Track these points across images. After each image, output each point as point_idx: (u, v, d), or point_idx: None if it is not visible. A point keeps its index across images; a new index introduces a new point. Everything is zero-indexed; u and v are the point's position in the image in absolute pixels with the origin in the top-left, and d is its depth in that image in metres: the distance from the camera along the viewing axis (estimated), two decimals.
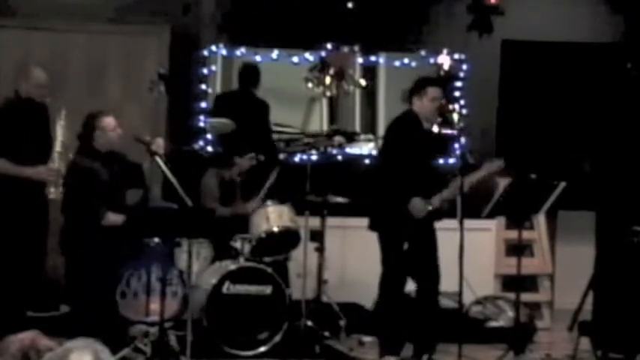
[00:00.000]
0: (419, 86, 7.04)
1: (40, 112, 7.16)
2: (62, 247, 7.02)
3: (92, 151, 6.99)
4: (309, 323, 7.56)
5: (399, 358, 6.98)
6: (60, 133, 7.03)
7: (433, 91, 6.96)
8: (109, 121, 7.02)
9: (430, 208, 6.87)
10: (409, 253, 6.95)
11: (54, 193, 6.94)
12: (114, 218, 6.86)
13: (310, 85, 9.15)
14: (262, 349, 7.22)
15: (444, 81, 8.66)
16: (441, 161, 8.56)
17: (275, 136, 8.98)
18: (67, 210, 6.98)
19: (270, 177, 8.02)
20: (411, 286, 7.25)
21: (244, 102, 8.73)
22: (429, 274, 7.00)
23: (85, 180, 6.89)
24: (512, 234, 7.87)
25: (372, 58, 9.38)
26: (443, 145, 6.87)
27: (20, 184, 6.92)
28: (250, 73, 8.86)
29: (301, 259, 7.81)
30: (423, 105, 6.95)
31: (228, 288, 7.22)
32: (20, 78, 7.12)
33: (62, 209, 7.00)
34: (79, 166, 6.94)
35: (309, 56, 9.20)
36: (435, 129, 7.04)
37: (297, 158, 8.95)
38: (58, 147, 7.01)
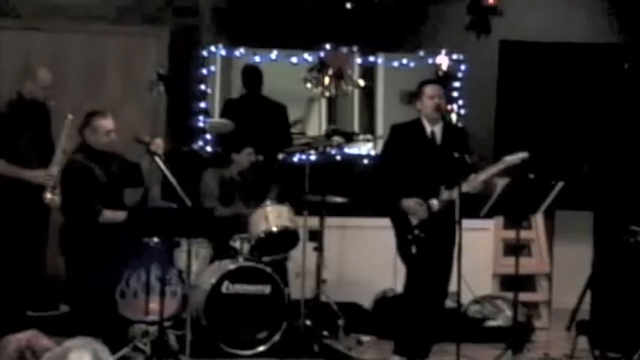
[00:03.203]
0: (417, 88, 7.09)
1: (42, 114, 7.18)
2: (61, 246, 7.04)
3: (88, 148, 6.99)
4: (308, 323, 7.58)
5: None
6: (63, 139, 7.04)
7: (429, 89, 6.99)
8: (103, 123, 6.92)
9: (426, 208, 6.86)
10: (421, 255, 6.91)
11: (50, 198, 6.95)
12: (109, 215, 6.87)
13: (309, 85, 9.17)
14: (261, 348, 7.24)
15: (444, 80, 8.68)
16: None
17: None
18: (64, 208, 7.01)
19: (270, 192, 8.05)
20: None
21: (256, 104, 8.78)
22: (437, 281, 6.97)
23: (79, 177, 6.89)
24: (510, 234, 7.88)
25: (371, 59, 9.40)
26: (455, 146, 6.76)
27: (20, 185, 6.95)
28: (255, 75, 8.92)
29: (300, 258, 7.83)
30: (423, 105, 6.98)
31: (227, 287, 7.24)
32: (25, 78, 7.13)
33: (61, 207, 7.03)
34: (72, 162, 6.95)
35: (307, 57, 9.21)
36: (438, 133, 7.01)
37: (295, 158, 8.97)
38: (59, 153, 7.02)
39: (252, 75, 8.94)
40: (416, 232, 6.82)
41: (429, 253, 6.83)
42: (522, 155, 6.88)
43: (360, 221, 8.54)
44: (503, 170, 6.96)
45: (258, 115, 8.72)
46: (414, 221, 6.85)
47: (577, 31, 9.60)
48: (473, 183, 6.81)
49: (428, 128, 6.99)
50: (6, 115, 7.09)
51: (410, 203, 6.84)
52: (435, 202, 6.86)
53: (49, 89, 7.12)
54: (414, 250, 6.81)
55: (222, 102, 9.08)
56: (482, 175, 6.86)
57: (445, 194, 6.86)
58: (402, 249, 6.94)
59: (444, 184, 6.86)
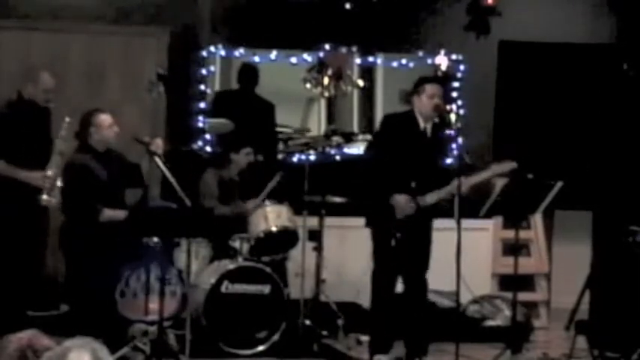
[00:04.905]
0: (417, 85, 7.10)
1: (42, 115, 7.19)
2: (61, 245, 7.05)
3: (89, 149, 7.02)
4: (308, 322, 7.60)
5: (390, 357, 7.01)
6: (60, 141, 7.05)
7: (430, 88, 7.00)
8: (104, 118, 7.01)
9: (414, 205, 6.88)
10: (396, 250, 6.93)
11: (46, 200, 6.95)
12: (109, 214, 6.88)
13: (308, 85, 9.17)
14: (261, 348, 7.25)
15: (443, 80, 8.69)
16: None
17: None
18: (65, 208, 7.02)
19: (272, 180, 8.04)
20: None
21: (247, 102, 8.78)
22: (414, 273, 7.02)
23: (81, 176, 6.91)
24: (509, 233, 7.89)
25: (370, 59, 9.41)
26: (441, 146, 6.88)
27: (19, 185, 6.95)
28: (250, 73, 8.92)
29: (299, 258, 7.84)
30: (422, 103, 6.98)
31: (226, 287, 7.25)
32: (27, 80, 7.13)
33: (62, 207, 7.04)
34: (74, 162, 6.98)
35: (307, 57, 9.22)
36: (429, 130, 7.04)
37: (295, 158, 8.98)
38: (56, 154, 7.03)
39: (248, 72, 8.93)
40: (398, 228, 6.86)
41: (403, 249, 6.87)
42: (510, 165, 6.90)
43: (359, 221, 8.50)
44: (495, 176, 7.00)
45: (247, 112, 8.70)
46: (399, 216, 6.88)
47: (576, 31, 9.60)
48: (449, 189, 6.87)
49: (421, 124, 7.02)
50: (5, 115, 7.09)
51: (399, 199, 6.87)
52: (423, 200, 6.89)
53: (51, 93, 7.13)
54: (393, 242, 6.85)
55: (214, 95, 9.08)
56: (471, 180, 6.86)
57: (434, 195, 6.89)
58: (381, 240, 6.96)
59: (431, 180, 6.90)
